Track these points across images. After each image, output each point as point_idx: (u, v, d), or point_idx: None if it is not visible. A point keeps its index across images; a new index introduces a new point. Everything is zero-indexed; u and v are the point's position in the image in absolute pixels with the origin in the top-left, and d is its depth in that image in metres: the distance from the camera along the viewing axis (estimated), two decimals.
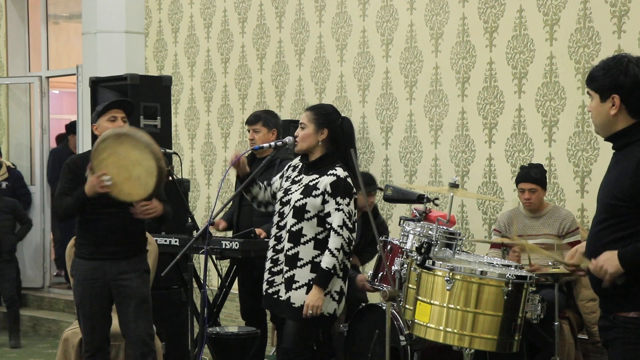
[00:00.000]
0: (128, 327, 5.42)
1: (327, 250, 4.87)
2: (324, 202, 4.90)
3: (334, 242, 4.86)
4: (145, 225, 5.55)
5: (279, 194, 5.13)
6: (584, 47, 6.40)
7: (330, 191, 4.90)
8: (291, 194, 5.03)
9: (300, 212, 4.94)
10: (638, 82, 3.57)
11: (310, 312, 4.84)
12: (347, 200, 4.90)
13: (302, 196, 4.95)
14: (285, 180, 5.16)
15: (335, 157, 5.02)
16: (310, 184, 4.97)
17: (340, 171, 4.94)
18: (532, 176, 6.10)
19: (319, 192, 4.92)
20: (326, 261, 4.87)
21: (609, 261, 3.49)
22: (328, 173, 4.95)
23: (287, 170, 5.21)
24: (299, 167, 5.15)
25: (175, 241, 6.37)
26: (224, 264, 7.31)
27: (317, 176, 4.98)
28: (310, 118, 5.06)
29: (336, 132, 5.04)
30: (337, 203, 4.88)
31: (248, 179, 5.64)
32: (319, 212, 4.93)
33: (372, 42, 7.62)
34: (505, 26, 6.81)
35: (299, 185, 5.03)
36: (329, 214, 4.90)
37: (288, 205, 5.01)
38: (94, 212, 5.36)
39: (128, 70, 8.67)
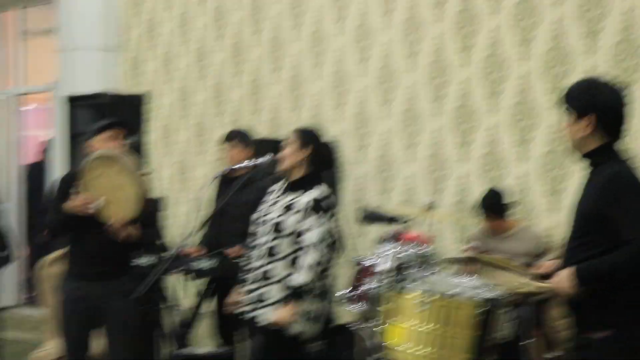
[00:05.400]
0: (112, 348, 5.44)
1: (301, 266, 4.86)
2: (302, 219, 4.91)
3: (305, 259, 4.86)
4: (133, 246, 5.54)
5: (255, 216, 5.13)
6: (557, 66, 6.44)
7: (308, 208, 4.93)
8: (268, 214, 5.04)
9: (276, 230, 4.95)
10: (611, 103, 3.65)
11: (278, 326, 4.83)
12: (322, 218, 4.92)
13: (280, 214, 4.96)
14: (263, 204, 5.17)
15: (316, 177, 5.05)
16: (290, 202, 4.99)
17: (321, 189, 4.98)
18: (484, 207, 6.23)
19: (297, 210, 4.94)
20: (296, 278, 4.86)
21: (563, 283, 3.56)
22: (308, 191, 4.97)
23: (266, 196, 5.23)
24: (278, 190, 5.17)
25: (147, 261, 6.32)
26: (198, 284, 7.28)
27: (297, 195, 5.00)
28: (295, 137, 5.11)
29: (319, 152, 5.09)
30: (312, 220, 4.90)
31: (224, 200, 5.65)
32: (295, 230, 4.93)
33: (348, 59, 7.64)
34: (480, 45, 6.84)
35: (278, 205, 5.05)
36: (304, 232, 4.90)
37: (263, 225, 5.01)
38: (82, 232, 5.38)
39: (104, 87, 8.64)
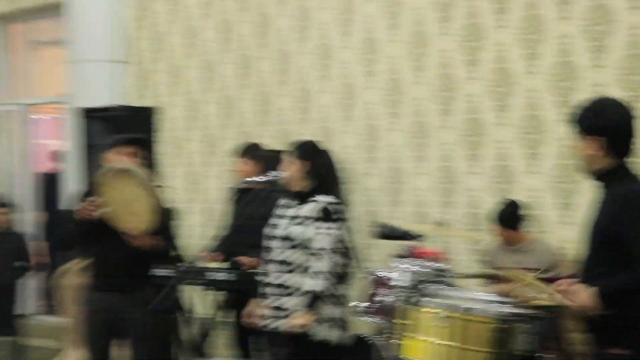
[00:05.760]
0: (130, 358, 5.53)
1: (311, 273, 4.98)
2: (311, 228, 5.03)
3: (317, 265, 4.98)
4: (152, 257, 5.64)
5: (267, 230, 5.25)
6: (564, 81, 6.54)
7: (315, 216, 5.04)
8: (278, 227, 5.15)
9: (286, 241, 5.06)
10: (621, 124, 3.72)
11: (294, 330, 4.94)
12: (331, 224, 5.03)
13: (287, 226, 5.08)
14: (273, 217, 5.28)
15: (322, 188, 5.15)
16: (298, 214, 5.10)
17: (324, 197, 5.09)
18: (500, 218, 6.27)
19: (303, 219, 5.06)
20: (310, 284, 4.97)
21: (584, 302, 3.64)
22: (315, 201, 5.09)
23: (275, 209, 5.33)
24: (286, 203, 5.28)
25: (165, 272, 6.39)
26: (215, 294, 7.37)
27: (304, 206, 5.11)
28: (294, 151, 5.26)
29: (319, 165, 5.20)
30: (320, 227, 5.02)
31: (245, 212, 5.76)
32: (304, 239, 5.04)
33: (356, 72, 7.72)
34: (487, 58, 6.94)
35: (285, 217, 5.16)
36: (313, 239, 5.01)
37: (275, 239, 5.12)
38: (104, 245, 5.47)
39: (111, 98, 8.71)
